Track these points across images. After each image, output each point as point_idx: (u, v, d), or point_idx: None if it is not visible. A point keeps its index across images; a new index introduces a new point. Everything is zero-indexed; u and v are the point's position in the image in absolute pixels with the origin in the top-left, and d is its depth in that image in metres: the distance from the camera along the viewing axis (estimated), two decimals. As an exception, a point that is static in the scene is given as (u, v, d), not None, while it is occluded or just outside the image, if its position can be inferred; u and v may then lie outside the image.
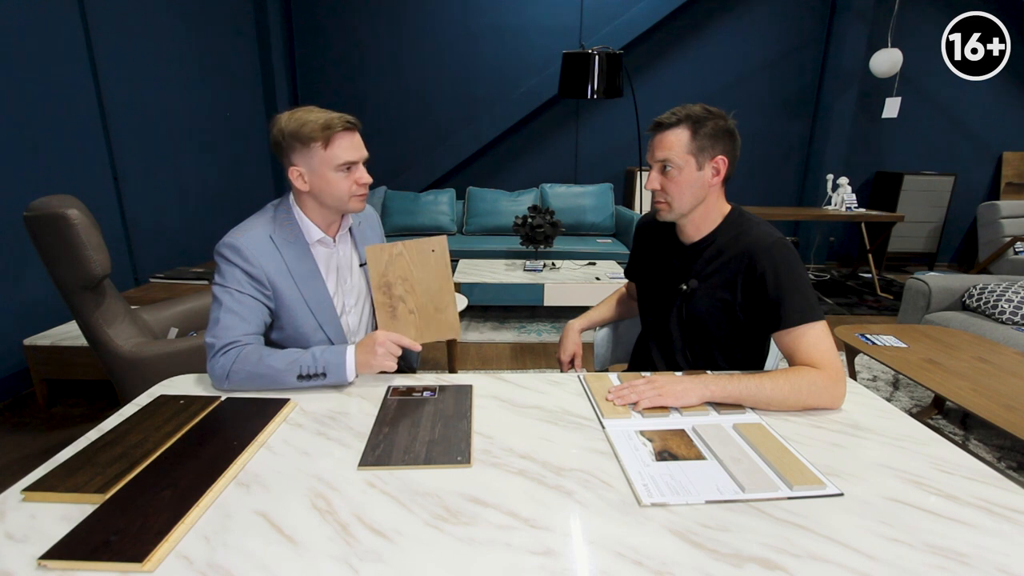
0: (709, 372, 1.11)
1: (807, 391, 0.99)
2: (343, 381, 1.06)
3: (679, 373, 1.12)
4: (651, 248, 1.32)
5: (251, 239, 1.12)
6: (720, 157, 1.10)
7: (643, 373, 1.12)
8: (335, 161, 1.11)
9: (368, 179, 1.17)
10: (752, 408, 1.00)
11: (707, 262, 1.17)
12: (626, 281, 1.54)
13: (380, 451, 0.85)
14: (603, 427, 0.94)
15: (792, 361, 1.07)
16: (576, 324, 1.48)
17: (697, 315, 1.19)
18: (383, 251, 1.12)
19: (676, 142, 1.09)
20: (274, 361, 1.05)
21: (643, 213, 2.02)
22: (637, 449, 0.86)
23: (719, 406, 1.00)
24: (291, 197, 1.21)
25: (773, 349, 1.29)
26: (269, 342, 1.21)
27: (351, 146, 1.13)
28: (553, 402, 1.03)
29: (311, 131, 1.09)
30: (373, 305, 1.36)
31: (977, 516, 0.72)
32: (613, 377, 1.12)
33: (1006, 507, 0.73)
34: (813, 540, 0.67)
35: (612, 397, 1.02)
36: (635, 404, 0.99)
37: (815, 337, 1.03)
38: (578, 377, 1.15)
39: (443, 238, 1.13)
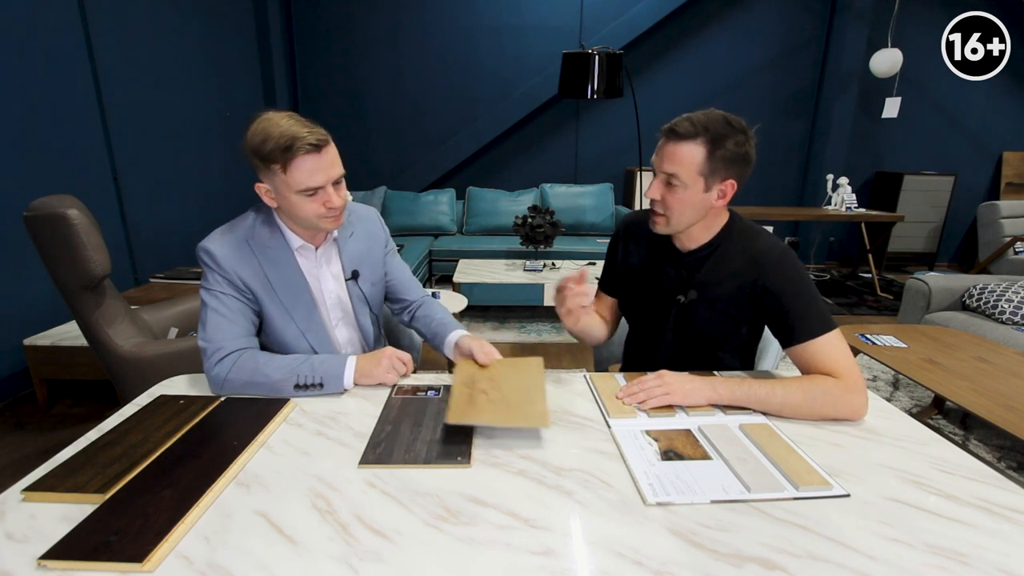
0: (718, 373, 1.09)
1: (821, 400, 0.95)
2: (339, 391, 1.05)
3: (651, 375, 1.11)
4: (640, 254, 1.24)
5: (225, 243, 1.09)
6: (730, 181, 1.04)
7: (647, 374, 1.12)
8: (296, 187, 1.02)
9: (337, 203, 1.06)
10: (763, 414, 0.97)
11: (709, 272, 1.12)
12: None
13: (381, 450, 0.85)
14: (609, 426, 0.94)
15: (808, 374, 1.03)
16: None
17: (696, 327, 1.15)
18: (475, 364, 1.10)
19: (689, 159, 1.01)
20: (271, 371, 1.03)
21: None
22: (643, 448, 0.86)
23: (725, 406, 1.00)
24: None
25: (767, 353, 1.28)
26: (261, 347, 1.18)
27: (315, 169, 1.01)
28: (554, 402, 1.03)
29: (270, 151, 0.99)
30: (361, 320, 1.30)
31: (977, 516, 0.72)
32: (620, 378, 1.11)
33: (1006, 507, 0.73)
34: (813, 540, 0.67)
35: (622, 395, 1.01)
36: (643, 403, 0.99)
37: (829, 347, 0.99)
38: (584, 377, 1.14)
39: (540, 359, 1.09)
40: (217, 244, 1.09)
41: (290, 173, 1.01)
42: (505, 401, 0.92)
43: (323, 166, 1.03)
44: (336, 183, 1.07)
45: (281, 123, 1.00)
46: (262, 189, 1.07)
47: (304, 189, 1.02)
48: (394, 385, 1.07)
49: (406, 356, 1.12)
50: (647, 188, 1.09)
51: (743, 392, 0.97)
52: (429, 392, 1.05)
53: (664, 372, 1.03)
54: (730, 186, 1.05)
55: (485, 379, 1.00)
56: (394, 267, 1.37)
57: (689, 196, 1.04)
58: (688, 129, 1.01)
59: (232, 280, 1.09)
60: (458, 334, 1.27)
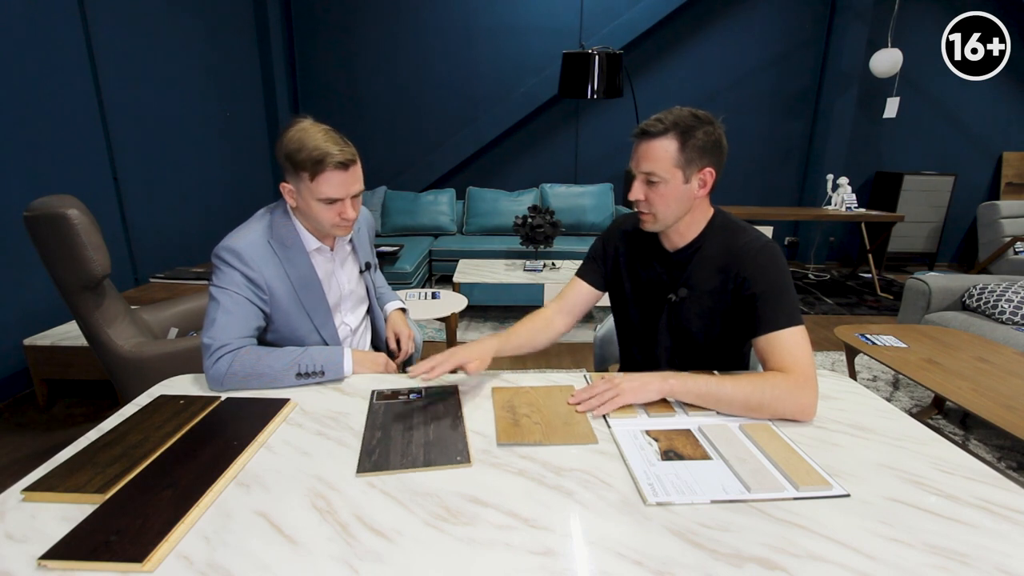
0: (718, 373, 1.09)
1: (770, 394, 0.94)
2: (340, 377, 1.12)
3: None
4: (630, 256, 1.24)
5: (251, 244, 1.13)
6: (708, 169, 1.06)
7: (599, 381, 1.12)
8: (318, 195, 1.11)
9: (351, 215, 1.15)
10: (715, 411, 0.97)
11: (697, 269, 1.13)
12: (550, 306, 1.30)
13: (377, 456, 0.84)
14: (609, 426, 0.94)
15: (765, 366, 1.04)
16: (489, 343, 1.14)
17: (688, 324, 1.16)
18: (509, 390, 1.09)
19: (663, 154, 1.04)
20: (272, 361, 1.07)
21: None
22: (643, 448, 0.86)
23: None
24: (287, 204, 1.21)
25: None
26: (264, 343, 1.22)
27: (339, 184, 1.10)
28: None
29: (302, 160, 1.08)
30: (369, 311, 1.43)
31: (977, 516, 0.72)
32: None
33: (1006, 507, 0.73)
34: (813, 540, 0.67)
35: (573, 402, 1.01)
36: (595, 409, 0.98)
37: (789, 342, 1.00)
38: (584, 377, 1.14)
39: (572, 385, 1.10)
40: (244, 244, 1.12)
41: (316, 184, 1.09)
42: (549, 423, 0.95)
43: (346, 182, 1.11)
44: (354, 197, 1.16)
45: (317, 136, 1.08)
46: (286, 189, 1.15)
47: (325, 199, 1.11)
48: (373, 391, 1.07)
49: (393, 365, 1.24)
50: (630, 192, 1.10)
51: (694, 384, 0.97)
52: (412, 395, 1.05)
53: (614, 375, 1.03)
54: (708, 174, 1.07)
55: (524, 404, 1.02)
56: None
57: (671, 190, 1.06)
58: (658, 127, 1.04)
59: (256, 280, 1.12)
60: (393, 305, 1.52)
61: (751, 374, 1.01)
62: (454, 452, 0.85)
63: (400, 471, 0.81)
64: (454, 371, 1.04)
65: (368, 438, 0.90)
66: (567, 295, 1.31)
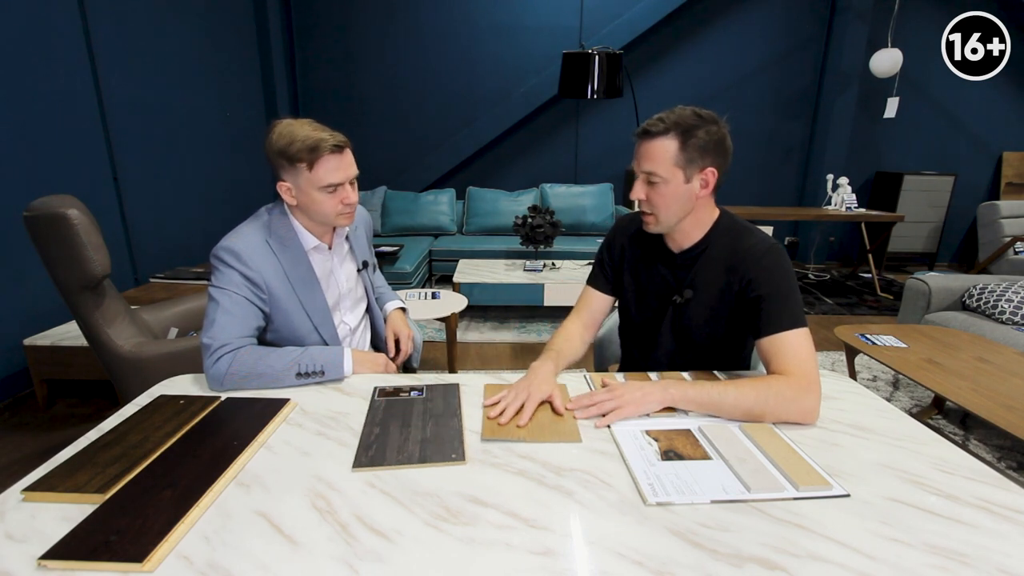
0: (673, 375, 1.11)
1: (774, 401, 0.93)
2: (340, 376, 1.11)
3: (654, 375, 1.12)
4: (634, 257, 1.24)
5: (249, 244, 1.13)
6: (709, 169, 1.05)
7: (650, 374, 1.12)
8: (319, 183, 1.12)
9: (354, 199, 1.17)
10: (717, 416, 0.96)
11: (702, 270, 1.13)
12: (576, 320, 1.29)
13: (373, 452, 0.85)
14: (608, 426, 0.94)
15: (768, 368, 1.03)
16: (549, 367, 1.11)
17: (692, 326, 1.16)
18: (500, 387, 1.07)
19: (663, 154, 1.03)
20: (273, 361, 1.07)
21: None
22: (643, 448, 0.86)
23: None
24: (285, 204, 1.21)
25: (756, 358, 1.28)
26: (263, 342, 1.23)
27: (337, 168, 1.12)
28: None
29: (297, 152, 1.09)
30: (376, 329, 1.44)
31: (977, 516, 0.72)
32: (619, 377, 1.11)
33: (1006, 507, 0.73)
34: (813, 540, 0.67)
35: (572, 407, 0.99)
36: (597, 419, 0.96)
37: (794, 344, 0.99)
38: (584, 377, 1.14)
39: (564, 384, 1.09)
40: (243, 244, 1.13)
41: (315, 171, 1.11)
42: (535, 420, 0.96)
43: (343, 165, 1.14)
44: (351, 182, 1.18)
45: (304, 127, 1.11)
46: (283, 187, 1.15)
47: (326, 185, 1.12)
48: (376, 388, 1.08)
49: (393, 367, 1.25)
50: (632, 190, 1.10)
51: (696, 393, 0.96)
52: (412, 392, 1.05)
53: (615, 384, 1.02)
54: (711, 174, 1.06)
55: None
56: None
57: (671, 190, 1.05)
58: (659, 126, 1.03)
59: (254, 280, 1.12)
60: (392, 305, 1.53)
61: (753, 378, 1.00)
62: (449, 450, 0.85)
63: (395, 467, 0.81)
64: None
65: (367, 433, 0.90)
66: (587, 308, 1.30)
